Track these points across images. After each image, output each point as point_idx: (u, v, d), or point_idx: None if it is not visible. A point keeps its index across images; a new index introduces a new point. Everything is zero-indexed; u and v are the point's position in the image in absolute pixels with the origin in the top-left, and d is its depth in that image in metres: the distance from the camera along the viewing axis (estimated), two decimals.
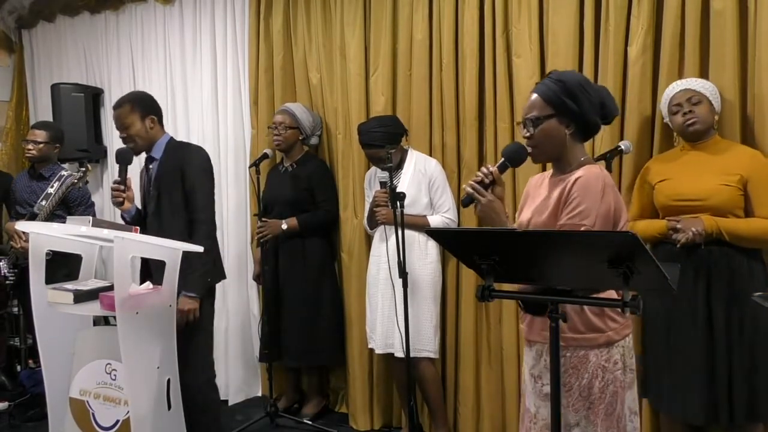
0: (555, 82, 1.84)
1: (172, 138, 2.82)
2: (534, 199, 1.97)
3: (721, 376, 2.29)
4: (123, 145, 2.74)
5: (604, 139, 2.71)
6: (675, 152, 2.53)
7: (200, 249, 2.58)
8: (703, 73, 2.53)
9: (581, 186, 1.78)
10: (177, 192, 2.68)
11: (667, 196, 2.43)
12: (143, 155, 2.81)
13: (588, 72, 2.76)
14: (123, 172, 2.68)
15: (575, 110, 1.82)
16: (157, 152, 2.76)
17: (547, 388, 1.76)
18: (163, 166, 2.73)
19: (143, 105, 2.74)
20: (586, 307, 1.81)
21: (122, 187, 2.67)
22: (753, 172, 2.31)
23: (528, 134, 1.87)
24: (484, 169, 1.85)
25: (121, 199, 2.67)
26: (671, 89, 2.47)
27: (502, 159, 1.88)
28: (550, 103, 1.82)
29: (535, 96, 1.86)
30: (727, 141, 2.44)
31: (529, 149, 1.89)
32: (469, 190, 1.82)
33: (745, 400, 2.28)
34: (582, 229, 1.74)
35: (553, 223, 1.82)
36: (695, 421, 2.38)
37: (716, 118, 2.43)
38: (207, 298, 2.71)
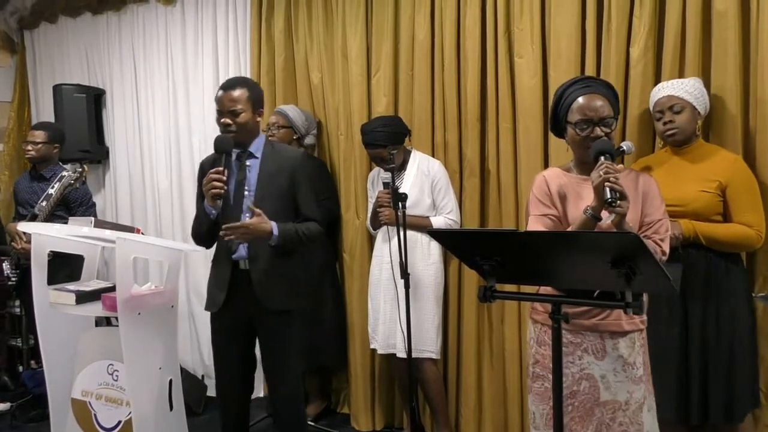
0: (611, 88, 2.00)
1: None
2: (582, 197, 1.95)
3: (694, 376, 2.30)
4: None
5: None
6: (659, 155, 2.52)
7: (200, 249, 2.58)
8: (705, 75, 2.53)
9: None
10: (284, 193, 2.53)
11: None
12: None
13: (590, 72, 2.76)
14: (224, 161, 2.44)
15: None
16: (257, 149, 2.57)
17: (640, 371, 1.94)
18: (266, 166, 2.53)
19: (258, 95, 2.57)
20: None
21: (224, 178, 2.39)
22: (732, 178, 2.31)
23: (608, 132, 1.92)
24: (610, 166, 1.77)
25: (223, 192, 2.39)
26: (656, 92, 2.46)
27: (607, 155, 1.83)
28: (613, 109, 1.96)
29: (605, 100, 1.94)
30: (709, 146, 2.44)
31: None
32: (618, 187, 1.74)
33: (722, 401, 2.28)
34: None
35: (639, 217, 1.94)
36: (666, 417, 2.37)
37: (700, 123, 2.41)
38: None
